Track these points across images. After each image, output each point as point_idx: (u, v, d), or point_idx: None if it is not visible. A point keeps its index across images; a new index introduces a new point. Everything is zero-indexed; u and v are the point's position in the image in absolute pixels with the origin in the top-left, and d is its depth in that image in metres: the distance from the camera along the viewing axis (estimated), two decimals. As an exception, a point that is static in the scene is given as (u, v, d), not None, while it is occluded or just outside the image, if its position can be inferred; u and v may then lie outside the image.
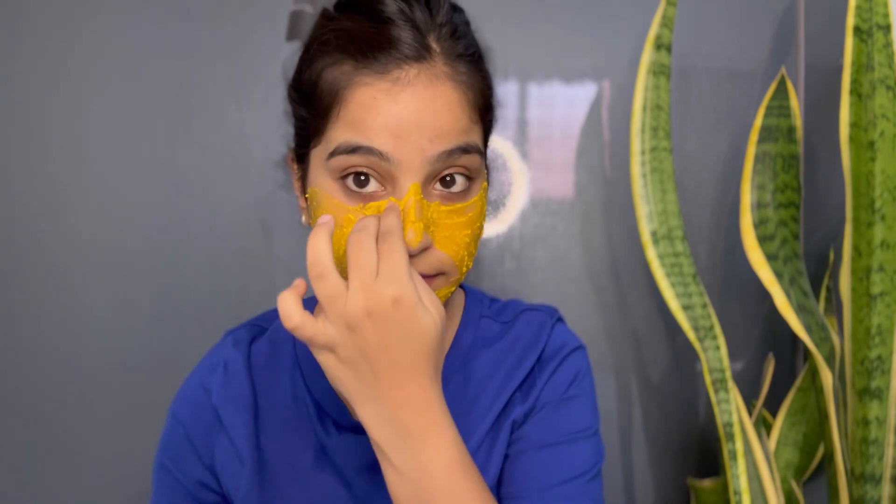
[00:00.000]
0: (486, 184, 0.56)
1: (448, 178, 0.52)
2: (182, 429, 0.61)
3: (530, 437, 0.59)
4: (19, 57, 0.86)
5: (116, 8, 0.87)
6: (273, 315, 0.67)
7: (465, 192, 0.53)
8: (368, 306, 0.45)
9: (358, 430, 0.59)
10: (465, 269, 0.55)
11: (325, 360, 0.47)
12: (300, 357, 0.62)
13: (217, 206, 0.88)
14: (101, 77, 0.87)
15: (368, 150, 0.50)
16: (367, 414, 0.48)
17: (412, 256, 0.51)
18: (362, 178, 0.51)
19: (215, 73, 0.88)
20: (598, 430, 0.62)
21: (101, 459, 0.88)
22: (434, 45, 0.52)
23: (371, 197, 0.51)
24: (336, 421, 0.59)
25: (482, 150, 0.54)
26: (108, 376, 0.88)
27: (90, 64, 0.87)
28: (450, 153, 0.51)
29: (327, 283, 0.45)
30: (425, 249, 0.51)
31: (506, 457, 0.60)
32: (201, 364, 0.64)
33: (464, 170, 0.52)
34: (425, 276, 0.52)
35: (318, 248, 0.46)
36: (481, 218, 0.55)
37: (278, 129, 0.87)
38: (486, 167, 0.60)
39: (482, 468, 0.58)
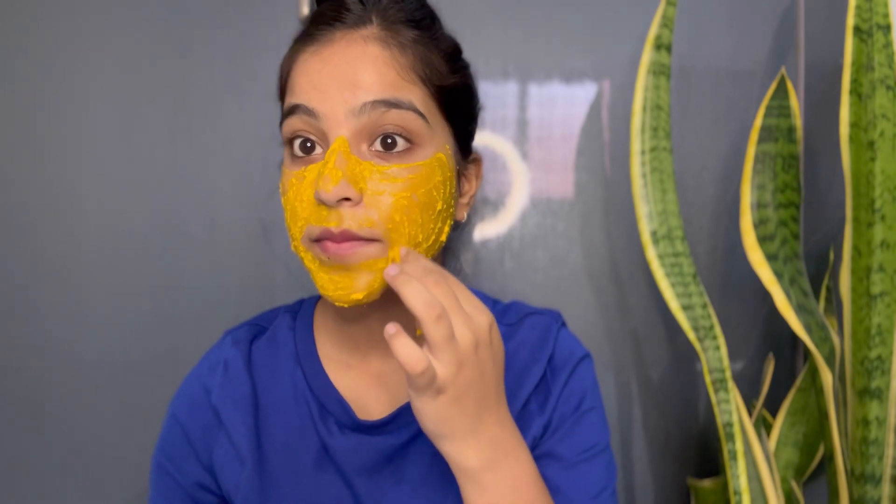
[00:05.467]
0: (442, 155, 0.54)
1: (389, 140, 0.52)
2: (181, 429, 0.61)
3: (554, 455, 0.59)
4: (20, 56, 0.86)
5: (116, 8, 0.87)
6: (273, 315, 0.67)
7: (404, 154, 0.52)
8: (475, 339, 0.46)
9: (361, 429, 0.59)
10: (409, 238, 0.52)
11: (435, 404, 0.46)
12: (301, 356, 0.62)
13: (217, 206, 0.88)
14: (101, 77, 0.87)
15: (300, 109, 0.51)
16: (464, 445, 0.48)
17: (333, 209, 0.50)
18: (308, 144, 0.53)
19: (215, 73, 0.88)
20: (609, 441, 0.63)
21: (100, 459, 0.88)
22: (374, 16, 0.54)
23: (312, 160, 0.52)
24: (339, 420, 0.59)
25: (420, 112, 0.52)
26: (107, 376, 0.88)
27: (90, 64, 0.87)
28: (374, 104, 0.50)
29: (445, 325, 0.45)
30: (353, 205, 0.50)
31: None
32: (200, 364, 0.64)
33: (400, 129, 0.51)
34: (358, 239, 0.51)
35: (423, 292, 0.45)
36: (430, 185, 0.53)
37: (278, 130, 0.87)
38: (466, 151, 0.60)
39: None
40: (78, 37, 0.87)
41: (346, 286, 0.52)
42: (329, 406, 0.59)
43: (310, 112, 0.51)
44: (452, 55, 0.58)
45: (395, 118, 0.51)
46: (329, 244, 0.51)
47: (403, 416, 0.59)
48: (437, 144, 0.54)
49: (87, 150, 0.87)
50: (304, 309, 0.66)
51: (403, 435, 0.59)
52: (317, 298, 0.68)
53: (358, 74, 0.51)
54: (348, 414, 0.59)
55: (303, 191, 0.52)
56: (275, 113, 0.87)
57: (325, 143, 0.52)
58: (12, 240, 0.87)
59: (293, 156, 0.53)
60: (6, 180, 0.87)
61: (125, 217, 0.87)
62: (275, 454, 0.59)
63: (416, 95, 0.53)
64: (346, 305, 0.53)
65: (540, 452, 0.59)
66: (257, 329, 0.65)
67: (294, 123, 0.52)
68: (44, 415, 0.87)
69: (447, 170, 0.55)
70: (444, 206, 0.55)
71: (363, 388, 0.61)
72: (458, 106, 0.58)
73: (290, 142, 0.53)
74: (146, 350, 0.88)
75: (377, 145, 0.52)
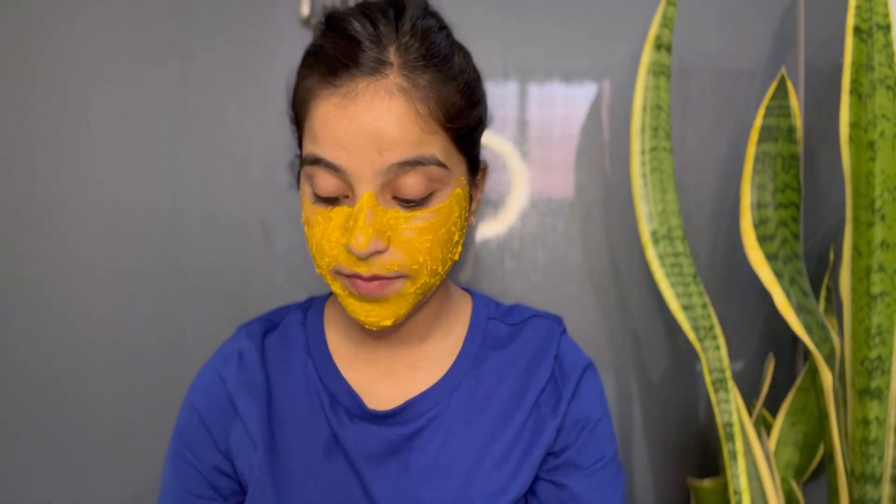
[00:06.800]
0: (459, 190, 0.56)
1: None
2: (198, 416, 0.62)
3: (574, 464, 0.62)
4: (20, 56, 0.86)
5: (117, 8, 0.87)
6: (284, 311, 0.69)
7: (426, 200, 0.54)
8: None
9: (370, 419, 0.61)
10: (431, 272, 0.56)
11: None
12: (312, 350, 0.64)
13: (217, 206, 0.88)
14: (101, 77, 0.87)
15: (325, 163, 0.52)
16: None
17: (363, 259, 0.53)
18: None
19: (215, 73, 0.88)
20: (617, 448, 0.67)
21: (99, 459, 0.88)
22: (392, 58, 0.52)
23: (337, 202, 0.54)
24: (349, 410, 0.61)
25: (442, 162, 0.54)
26: (107, 376, 0.88)
27: (90, 64, 0.87)
28: (401, 165, 0.52)
29: None
30: (380, 254, 0.53)
31: (545, 480, 0.63)
32: (216, 355, 0.66)
33: (422, 180, 0.53)
34: (383, 278, 0.54)
35: None
36: (450, 223, 0.56)
37: (278, 130, 0.87)
38: (475, 166, 0.61)
39: (508, 480, 0.60)
40: (78, 37, 0.87)
41: (376, 314, 0.56)
42: (339, 396, 0.61)
43: (335, 168, 0.52)
44: (469, 88, 0.57)
45: (419, 172, 0.53)
46: (359, 282, 0.54)
47: (412, 408, 0.61)
48: (455, 181, 0.56)
49: (87, 150, 0.87)
50: (315, 306, 0.69)
51: (411, 426, 0.60)
52: (326, 296, 0.70)
53: (383, 135, 0.51)
54: (358, 403, 0.61)
55: (330, 231, 0.54)
56: (275, 113, 0.87)
57: (351, 192, 0.54)
58: (12, 240, 0.87)
59: (316, 195, 0.55)
60: (6, 180, 0.87)
61: (125, 217, 0.87)
62: (286, 442, 0.60)
63: (437, 146, 0.54)
64: (374, 329, 0.58)
65: (560, 462, 0.62)
66: (270, 324, 0.67)
67: (318, 173, 0.53)
68: (43, 414, 0.87)
69: (463, 200, 0.58)
70: (460, 233, 0.58)
71: (372, 381, 0.63)
72: (472, 138, 0.59)
73: (313, 182, 0.55)
74: (146, 349, 0.88)
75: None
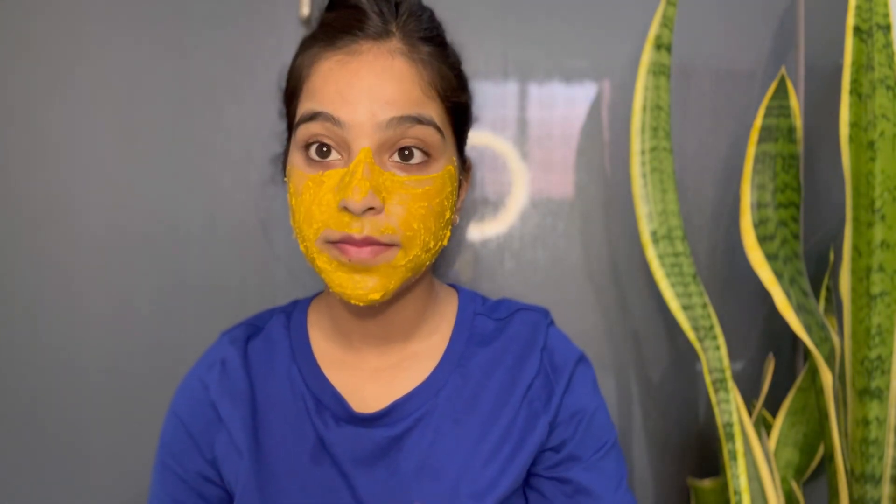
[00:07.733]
0: (451, 168, 0.57)
1: (406, 152, 0.54)
2: (182, 425, 0.62)
3: (575, 458, 0.62)
4: (20, 56, 0.86)
5: (116, 7, 0.87)
6: (268, 315, 0.69)
7: (422, 166, 0.54)
8: None
9: (357, 421, 0.60)
10: (423, 245, 0.55)
11: None
12: (296, 354, 0.64)
13: (217, 206, 0.88)
14: (101, 77, 0.87)
15: (323, 116, 0.53)
16: None
17: (357, 218, 0.52)
18: (324, 148, 0.54)
19: (215, 73, 0.88)
20: (616, 435, 0.66)
21: (98, 460, 0.88)
22: (394, 29, 0.55)
23: (329, 165, 0.54)
24: (334, 413, 0.60)
25: (439, 127, 0.55)
26: (106, 376, 0.88)
27: (91, 64, 0.87)
28: (401, 120, 0.52)
29: None
30: (375, 213, 0.53)
31: (548, 478, 0.63)
32: (199, 363, 0.65)
33: (420, 143, 0.54)
34: (377, 244, 0.53)
35: None
36: (442, 196, 0.56)
37: (278, 129, 0.87)
38: (462, 159, 0.62)
39: (496, 476, 0.59)
40: (78, 37, 0.87)
41: (364, 286, 0.54)
42: (325, 400, 0.61)
43: (335, 121, 0.52)
44: (461, 74, 0.60)
45: (417, 133, 0.53)
46: (350, 248, 0.53)
47: (398, 409, 0.60)
48: (448, 157, 0.57)
49: (87, 150, 0.87)
50: (299, 309, 0.68)
51: (398, 427, 0.60)
52: (310, 299, 0.69)
53: (386, 89, 0.52)
54: (344, 407, 0.60)
55: (321, 195, 0.53)
56: (274, 113, 0.87)
57: (346, 150, 0.53)
58: (11, 239, 0.87)
59: (309, 159, 0.54)
60: (6, 180, 0.86)
61: (125, 217, 0.87)
62: (272, 448, 0.60)
63: (435, 111, 0.55)
64: (361, 304, 0.55)
65: (562, 457, 0.62)
66: (253, 329, 0.67)
67: (314, 129, 0.53)
68: (41, 414, 0.87)
69: (454, 180, 0.58)
70: (450, 214, 0.58)
71: (358, 383, 0.62)
72: (463, 120, 0.60)
73: (306, 146, 0.55)
74: (146, 350, 0.88)
75: (396, 156, 0.54)
